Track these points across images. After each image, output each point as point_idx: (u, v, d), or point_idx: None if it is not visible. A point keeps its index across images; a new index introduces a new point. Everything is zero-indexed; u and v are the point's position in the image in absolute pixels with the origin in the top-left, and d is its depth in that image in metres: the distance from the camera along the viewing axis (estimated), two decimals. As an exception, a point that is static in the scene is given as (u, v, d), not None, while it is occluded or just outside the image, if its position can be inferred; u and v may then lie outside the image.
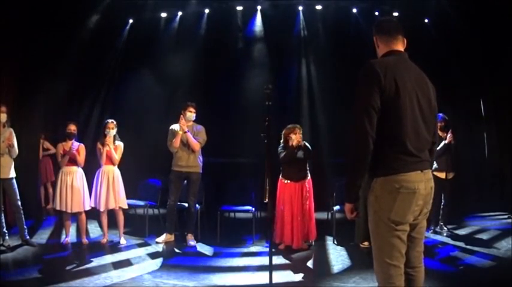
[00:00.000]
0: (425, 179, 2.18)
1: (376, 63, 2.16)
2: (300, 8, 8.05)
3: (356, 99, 2.13)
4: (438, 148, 5.57)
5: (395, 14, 7.25)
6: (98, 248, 5.23)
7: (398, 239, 2.13)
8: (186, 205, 5.57)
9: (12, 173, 5.06)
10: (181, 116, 5.36)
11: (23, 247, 5.11)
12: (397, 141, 2.11)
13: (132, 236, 5.76)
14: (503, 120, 7.45)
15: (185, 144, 5.36)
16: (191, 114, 5.41)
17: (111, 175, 5.32)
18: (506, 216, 7.03)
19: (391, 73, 2.10)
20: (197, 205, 5.77)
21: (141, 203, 6.03)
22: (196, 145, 5.36)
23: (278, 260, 4.81)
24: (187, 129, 5.33)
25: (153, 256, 4.99)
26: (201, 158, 5.50)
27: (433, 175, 2.31)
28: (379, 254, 2.17)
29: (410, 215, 2.14)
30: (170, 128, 5.50)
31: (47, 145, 7.43)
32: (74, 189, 5.22)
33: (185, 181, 5.55)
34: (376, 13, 7.75)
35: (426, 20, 7.84)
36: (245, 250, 5.35)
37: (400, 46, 2.30)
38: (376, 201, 2.16)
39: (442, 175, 5.71)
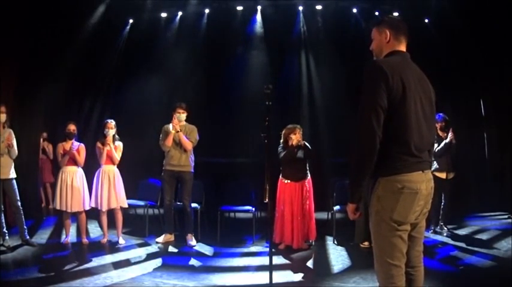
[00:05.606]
0: (426, 180, 2.19)
1: (383, 63, 2.16)
2: (300, 8, 8.05)
3: (363, 99, 2.11)
4: (439, 148, 5.58)
5: (396, 14, 7.23)
6: (98, 248, 5.23)
7: (399, 239, 2.14)
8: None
9: (13, 174, 5.06)
10: (174, 116, 5.39)
11: (23, 247, 5.11)
12: (401, 142, 2.11)
13: (132, 236, 5.76)
14: (503, 120, 7.44)
15: (177, 143, 5.40)
16: (180, 115, 5.42)
17: (112, 174, 5.34)
18: (506, 216, 7.03)
19: (398, 74, 2.11)
20: (197, 205, 5.79)
21: (141, 203, 6.04)
22: (188, 144, 5.39)
23: (278, 260, 4.81)
24: (179, 129, 5.36)
25: (153, 256, 4.99)
26: (192, 158, 5.51)
27: (433, 175, 2.32)
28: (380, 254, 2.17)
29: (412, 215, 2.15)
30: (163, 127, 5.53)
31: (50, 148, 7.45)
32: (74, 189, 5.23)
33: (178, 182, 5.56)
34: (376, 13, 7.74)
35: (426, 20, 7.84)
36: (245, 250, 5.35)
37: (404, 47, 2.31)
38: (378, 201, 2.16)
39: (443, 175, 5.70)
